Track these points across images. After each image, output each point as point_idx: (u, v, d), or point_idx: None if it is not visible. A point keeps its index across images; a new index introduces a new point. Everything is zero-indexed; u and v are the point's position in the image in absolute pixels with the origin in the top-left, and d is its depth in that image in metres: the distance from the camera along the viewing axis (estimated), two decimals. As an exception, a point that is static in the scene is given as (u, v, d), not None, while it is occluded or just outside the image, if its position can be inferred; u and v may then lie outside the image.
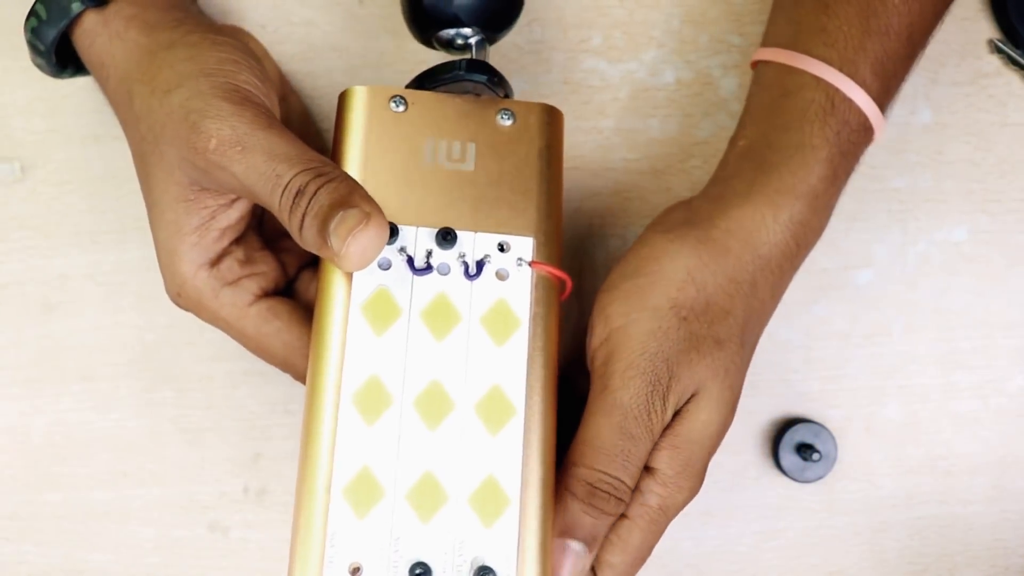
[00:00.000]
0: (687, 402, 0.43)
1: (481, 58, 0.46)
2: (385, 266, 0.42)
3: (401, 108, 0.44)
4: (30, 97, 0.52)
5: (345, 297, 0.41)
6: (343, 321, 0.41)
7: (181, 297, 0.44)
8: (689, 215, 0.45)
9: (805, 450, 0.51)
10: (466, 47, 0.46)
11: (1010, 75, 0.54)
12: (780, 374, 0.52)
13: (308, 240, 0.38)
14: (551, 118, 0.45)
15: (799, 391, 0.52)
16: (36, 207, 0.52)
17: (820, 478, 0.52)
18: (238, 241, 0.44)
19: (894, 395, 0.53)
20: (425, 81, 0.45)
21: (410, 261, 0.42)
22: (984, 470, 0.53)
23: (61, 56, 0.46)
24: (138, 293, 0.52)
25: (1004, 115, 0.54)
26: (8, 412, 0.52)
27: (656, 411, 0.42)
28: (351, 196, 0.38)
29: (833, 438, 0.52)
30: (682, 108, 0.53)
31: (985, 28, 0.54)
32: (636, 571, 0.44)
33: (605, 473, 0.42)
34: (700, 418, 0.43)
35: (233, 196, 0.43)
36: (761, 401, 0.52)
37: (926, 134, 0.53)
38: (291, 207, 0.38)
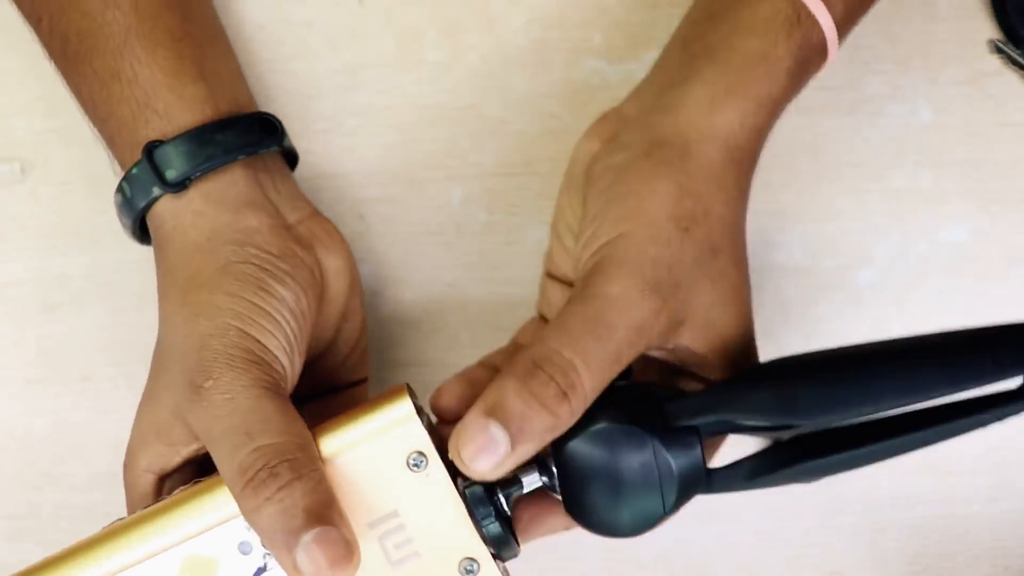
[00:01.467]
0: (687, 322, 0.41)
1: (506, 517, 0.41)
2: (246, 551, 0.39)
3: (415, 470, 0.40)
4: (30, 97, 0.52)
5: (177, 536, 0.39)
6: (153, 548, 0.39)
7: (125, 471, 0.43)
8: (652, 133, 0.44)
9: (805, 450, 0.51)
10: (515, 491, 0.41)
11: (1010, 75, 0.54)
12: (780, 374, 0.52)
13: (263, 527, 0.37)
14: None
15: (799, 391, 0.52)
16: (36, 207, 0.52)
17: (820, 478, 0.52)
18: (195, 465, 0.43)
19: (894, 395, 0.53)
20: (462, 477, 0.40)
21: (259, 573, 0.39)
22: (984, 470, 0.53)
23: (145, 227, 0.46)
24: (138, 293, 0.52)
25: (1004, 115, 0.54)
26: (8, 412, 0.52)
27: (646, 311, 0.39)
28: (329, 510, 0.37)
29: (833, 438, 0.52)
30: (682, 108, 0.53)
31: (985, 28, 0.54)
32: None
33: (557, 352, 0.38)
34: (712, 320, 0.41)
35: (197, 446, 0.41)
36: (761, 401, 0.52)
37: (926, 134, 0.53)
38: (252, 476, 0.37)
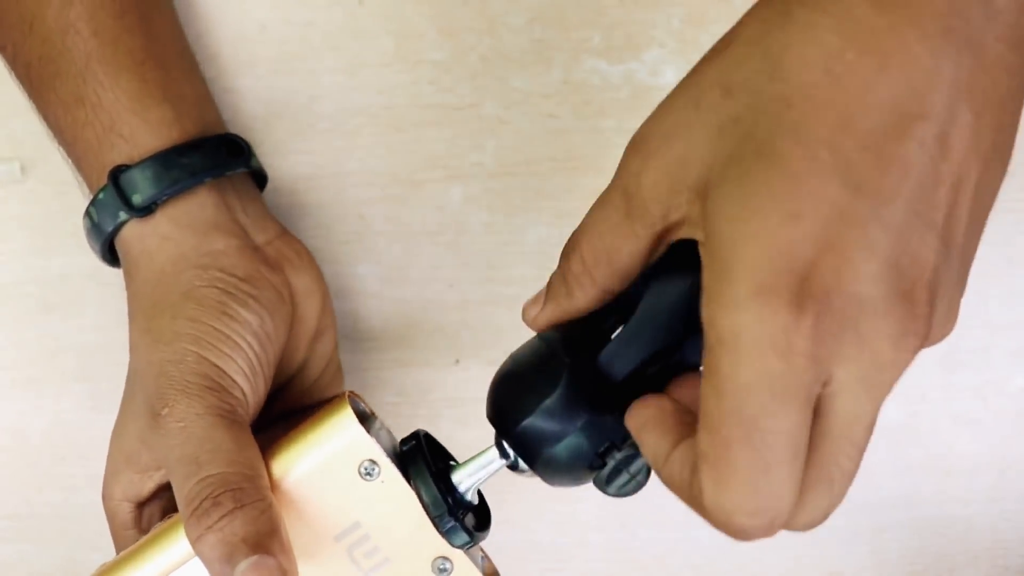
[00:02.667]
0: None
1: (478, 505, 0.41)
2: None
3: (368, 479, 0.39)
4: (30, 97, 0.52)
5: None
6: None
7: (104, 502, 0.43)
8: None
9: (805, 450, 0.51)
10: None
11: (1010, 75, 0.54)
12: (780, 374, 0.52)
13: (204, 556, 0.37)
14: None
15: (799, 391, 0.52)
16: (36, 207, 0.52)
17: (820, 478, 0.52)
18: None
19: (894, 395, 0.53)
20: (413, 468, 0.40)
21: None
22: (984, 470, 0.53)
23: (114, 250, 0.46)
24: (138, 293, 0.52)
25: (1004, 115, 0.54)
26: (8, 412, 0.52)
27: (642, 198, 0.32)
28: (270, 539, 0.37)
29: (833, 438, 0.52)
30: (682, 108, 0.53)
31: (985, 28, 0.54)
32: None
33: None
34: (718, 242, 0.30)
35: (164, 472, 0.41)
36: (761, 401, 0.52)
37: (926, 134, 0.53)
38: (197, 506, 0.37)
